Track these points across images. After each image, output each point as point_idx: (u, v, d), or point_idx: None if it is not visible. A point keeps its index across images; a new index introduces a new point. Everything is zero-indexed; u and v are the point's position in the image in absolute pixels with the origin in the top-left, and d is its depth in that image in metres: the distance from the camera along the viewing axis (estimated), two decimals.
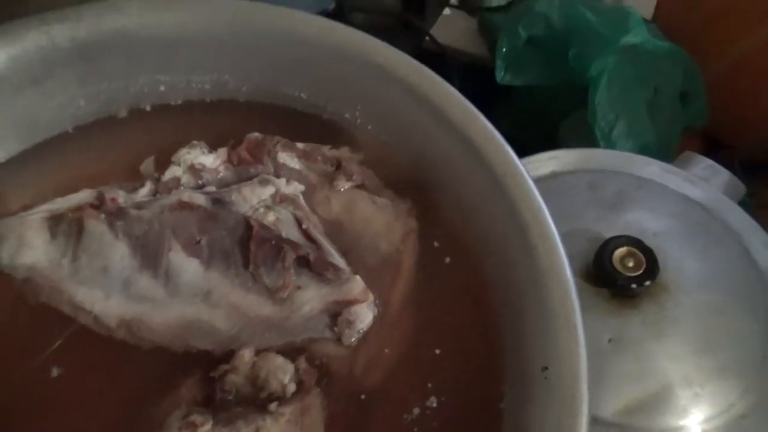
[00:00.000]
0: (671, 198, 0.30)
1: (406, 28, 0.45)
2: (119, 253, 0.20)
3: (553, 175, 0.31)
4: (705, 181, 0.32)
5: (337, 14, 0.45)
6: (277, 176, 0.23)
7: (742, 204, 0.35)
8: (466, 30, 0.46)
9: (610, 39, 0.34)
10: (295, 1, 0.43)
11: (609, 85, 0.34)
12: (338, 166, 0.24)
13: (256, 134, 0.24)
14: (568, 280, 0.18)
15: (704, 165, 0.32)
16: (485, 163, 0.21)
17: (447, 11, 0.45)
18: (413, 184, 0.24)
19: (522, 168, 0.21)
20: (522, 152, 0.38)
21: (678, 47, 0.40)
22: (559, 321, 0.17)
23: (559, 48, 0.37)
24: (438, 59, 0.47)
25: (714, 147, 0.46)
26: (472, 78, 0.45)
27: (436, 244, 0.22)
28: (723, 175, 0.32)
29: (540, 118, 0.42)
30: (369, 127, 0.25)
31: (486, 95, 0.44)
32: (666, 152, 0.35)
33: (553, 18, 0.37)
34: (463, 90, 0.45)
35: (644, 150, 0.34)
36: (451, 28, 0.46)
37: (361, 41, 0.24)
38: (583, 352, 0.17)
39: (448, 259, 0.22)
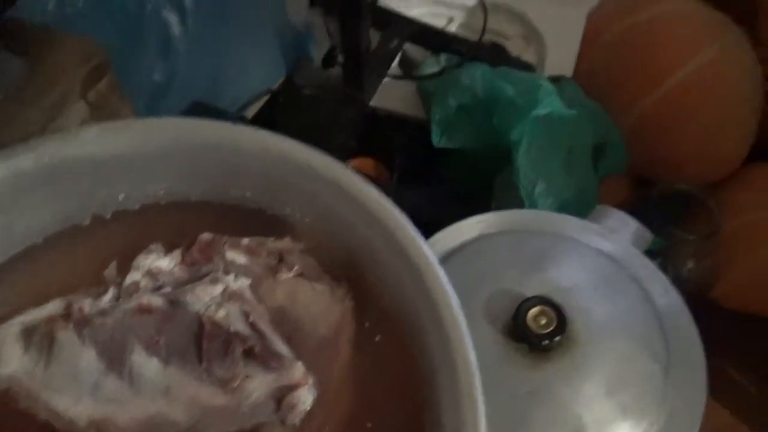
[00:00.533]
0: (584, 253, 0.34)
1: (351, 99, 0.49)
2: (87, 359, 0.23)
3: (480, 238, 0.34)
4: (615, 233, 0.36)
5: (286, 90, 0.49)
6: (227, 272, 0.26)
7: (652, 248, 0.40)
8: (408, 95, 0.50)
9: (525, 109, 0.38)
10: (245, 80, 0.47)
11: (528, 149, 0.38)
12: (281, 257, 0.28)
13: (207, 235, 0.27)
14: (471, 357, 0.21)
15: (615, 217, 0.37)
16: (401, 250, 0.25)
17: (387, 79, 0.49)
18: (347, 269, 0.27)
19: (430, 255, 0.24)
20: (464, 203, 0.42)
21: (590, 104, 0.45)
22: (463, 394, 0.21)
23: (486, 115, 0.42)
24: (383, 123, 0.51)
25: (644, 184, 0.51)
26: (417, 138, 0.49)
27: (367, 324, 0.26)
28: (631, 225, 0.36)
29: (478, 172, 0.45)
30: (307, 220, 0.28)
31: (430, 152, 0.49)
32: (585, 205, 0.39)
33: (477, 89, 0.42)
34: (407, 149, 0.49)
35: (564, 206, 0.38)
36: (394, 93, 0.50)
37: (295, 149, 0.27)
38: (482, 422, 0.20)
39: (378, 338, 0.25)
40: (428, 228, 0.40)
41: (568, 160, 0.39)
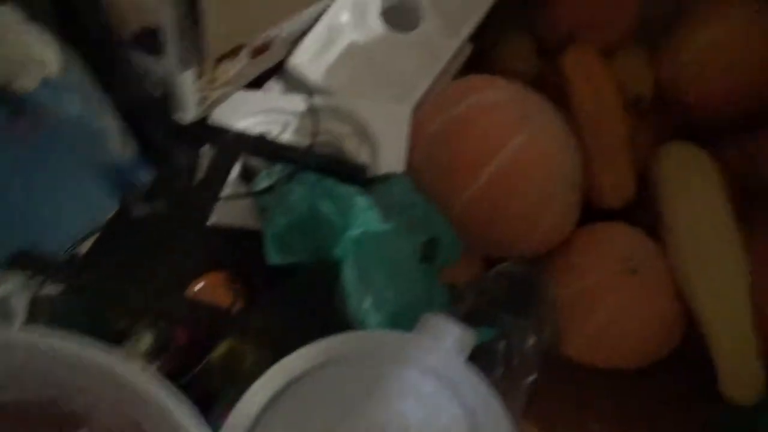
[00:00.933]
0: (404, 374, 0.34)
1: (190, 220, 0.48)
2: None
3: (305, 375, 0.34)
4: (439, 341, 0.37)
5: (121, 219, 0.48)
6: None
7: (489, 338, 0.42)
8: (250, 206, 0.50)
9: (343, 228, 0.39)
10: (70, 220, 0.46)
11: (352, 266, 0.39)
12: None
13: None
14: None
15: (439, 325, 0.38)
16: None
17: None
18: None
19: None
20: (315, 316, 0.42)
21: (419, 201, 0.47)
22: None
23: (314, 231, 0.42)
24: (230, 237, 0.50)
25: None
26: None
27: None
28: (455, 331, 0.37)
29: (324, 286, 0.46)
30: (99, 412, 0.27)
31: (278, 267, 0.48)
32: (419, 310, 0.40)
33: (301, 207, 0.42)
34: (258, 262, 0.49)
35: (394, 318, 0.39)
36: (235, 207, 0.50)
37: (67, 348, 0.26)
38: None
39: None
40: (284, 344, 0.40)
41: (393, 271, 0.40)
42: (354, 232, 0.38)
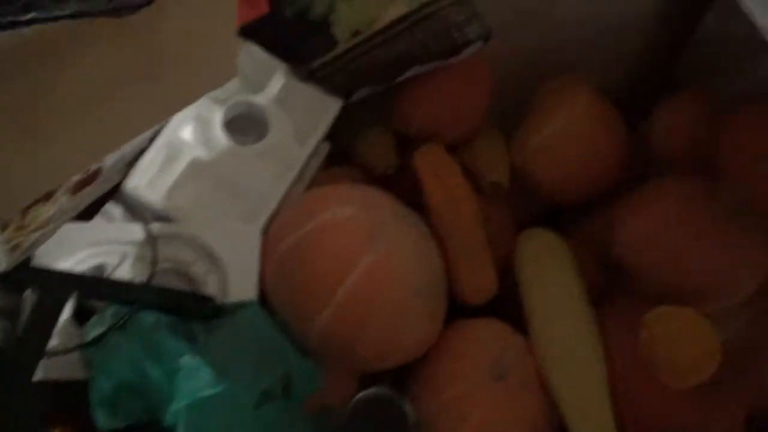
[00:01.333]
0: None
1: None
2: None
3: None
4: None
5: None
6: None
7: None
8: (79, 357, 0.45)
9: (171, 395, 0.36)
10: None
11: None
12: None
13: None
14: None
15: None
16: None
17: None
18: None
19: None
20: None
21: (270, 334, 0.44)
22: None
23: (143, 394, 0.38)
24: (58, 392, 0.45)
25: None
26: None
27: None
28: None
29: None
30: None
31: None
32: None
33: (127, 369, 0.38)
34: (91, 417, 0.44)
35: None
36: (63, 359, 0.44)
37: None
38: None
39: None
40: None
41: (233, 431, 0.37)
42: (180, 403, 0.35)
